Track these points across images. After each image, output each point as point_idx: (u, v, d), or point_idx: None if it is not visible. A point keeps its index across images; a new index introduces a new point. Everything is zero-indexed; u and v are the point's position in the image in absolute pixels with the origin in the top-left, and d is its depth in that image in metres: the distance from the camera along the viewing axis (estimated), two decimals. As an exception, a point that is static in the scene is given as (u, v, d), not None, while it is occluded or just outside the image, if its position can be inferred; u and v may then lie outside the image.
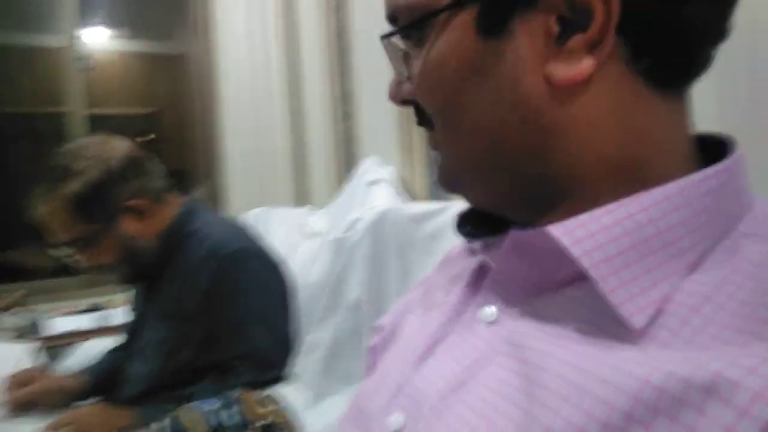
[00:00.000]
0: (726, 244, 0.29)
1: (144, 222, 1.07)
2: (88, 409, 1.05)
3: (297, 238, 1.38)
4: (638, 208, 0.28)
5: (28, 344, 1.41)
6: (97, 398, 1.15)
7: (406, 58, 0.36)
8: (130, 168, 1.06)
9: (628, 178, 0.30)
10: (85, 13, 2.35)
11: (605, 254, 0.28)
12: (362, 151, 1.55)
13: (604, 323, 0.28)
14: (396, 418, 0.35)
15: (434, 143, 0.37)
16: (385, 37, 0.35)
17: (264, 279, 1.10)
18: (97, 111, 2.33)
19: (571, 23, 0.29)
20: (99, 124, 2.31)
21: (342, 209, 1.32)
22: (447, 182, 0.37)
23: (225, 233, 1.10)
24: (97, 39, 2.49)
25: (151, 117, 2.98)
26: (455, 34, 0.31)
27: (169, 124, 2.84)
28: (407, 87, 0.36)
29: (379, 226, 0.97)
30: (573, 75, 0.29)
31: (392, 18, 0.35)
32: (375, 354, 0.49)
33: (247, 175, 2.13)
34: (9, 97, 2.52)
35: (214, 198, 2.37)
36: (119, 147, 1.07)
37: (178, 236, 1.09)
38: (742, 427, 0.21)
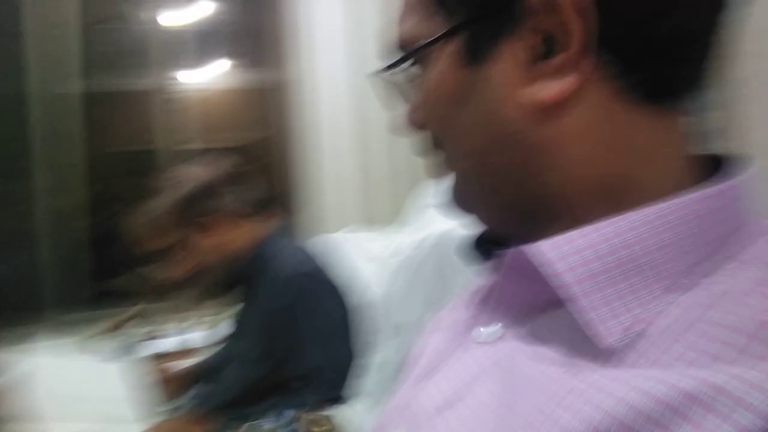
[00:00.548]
0: (705, 266, 0.28)
1: (224, 238, 1.18)
2: (172, 422, 1.16)
3: (362, 260, 1.43)
4: (613, 232, 0.28)
5: (123, 365, 1.55)
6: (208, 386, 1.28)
7: (415, 87, 0.37)
8: (214, 188, 1.18)
9: (617, 196, 0.30)
10: (181, 53, 2.57)
11: (576, 276, 0.28)
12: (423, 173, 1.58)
13: (581, 344, 0.29)
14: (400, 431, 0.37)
15: (445, 166, 0.38)
16: (387, 69, 0.37)
17: (323, 302, 1.16)
18: (196, 146, 2.53)
19: (551, 44, 0.29)
20: (198, 157, 2.50)
21: (401, 231, 1.35)
22: (456, 204, 0.39)
23: (291, 258, 1.18)
24: (196, 76, 2.71)
25: (251, 147, 3.15)
26: (443, 64, 0.33)
27: (269, 151, 2.99)
28: (417, 114, 0.38)
29: (443, 245, 0.99)
30: (553, 95, 0.29)
31: (396, 50, 0.37)
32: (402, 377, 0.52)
33: (329, 199, 2.23)
34: (110, 138, 2.81)
35: (302, 221, 2.50)
36: (206, 170, 1.21)
37: (256, 258, 1.19)
38: None
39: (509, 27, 0.30)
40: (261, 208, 1.26)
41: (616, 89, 0.29)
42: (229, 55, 2.87)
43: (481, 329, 0.36)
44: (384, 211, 1.87)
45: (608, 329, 0.27)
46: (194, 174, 1.19)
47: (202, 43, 2.68)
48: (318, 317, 1.14)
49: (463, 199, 0.38)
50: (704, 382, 0.23)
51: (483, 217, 0.37)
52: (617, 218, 0.29)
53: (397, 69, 0.36)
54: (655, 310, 0.27)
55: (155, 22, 2.49)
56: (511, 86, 0.30)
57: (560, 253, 0.29)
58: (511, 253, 0.32)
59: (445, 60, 0.33)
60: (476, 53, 0.31)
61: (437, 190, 1.28)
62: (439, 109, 0.34)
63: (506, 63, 0.30)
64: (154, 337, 1.83)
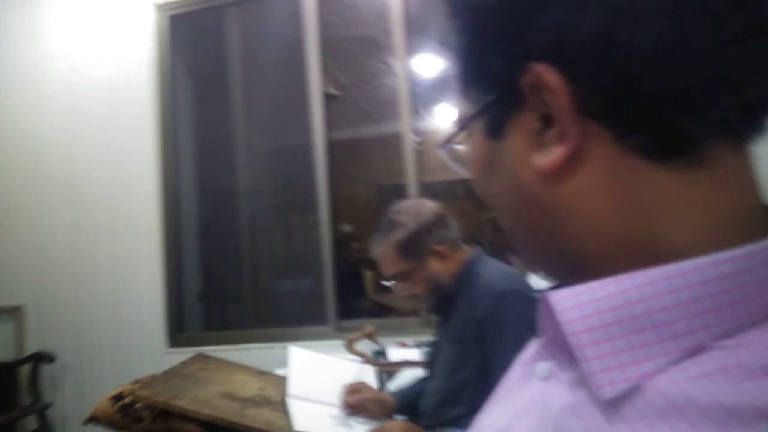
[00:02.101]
0: (737, 338, 0.27)
1: (444, 264, 1.36)
2: (395, 422, 1.34)
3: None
4: (631, 285, 0.29)
5: (372, 367, 1.82)
6: (405, 416, 1.44)
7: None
8: (436, 222, 1.37)
9: (639, 252, 0.30)
10: (418, 103, 2.90)
11: (588, 325, 0.29)
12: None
13: (591, 393, 0.30)
14: None
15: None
16: (445, 144, 0.43)
17: (528, 316, 1.21)
18: (430, 179, 2.81)
19: (547, 119, 0.32)
20: (435, 189, 2.78)
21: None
22: (519, 257, 0.42)
23: (500, 276, 1.30)
24: (429, 121, 3.02)
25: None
26: (476, 140, 0.38)
27: None
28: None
29: None
30: (549, 163, 0.31)
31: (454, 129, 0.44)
32: None
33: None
34: (372, 175, 3.30)
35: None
36: (429, 206, 1.41)
37: (466, 277, 1.34)
38: None
39: (514, 107, 0.33)
40: (464, 239, 1.43)
41: (624, 150, 0.30)
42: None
43: (538, 365, 0.37)
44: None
45: (610, 380, 0.28)
46: (425, 210, 1.39)
47: (437, 90, 2.97)
48: (522, 329, 1.19)
49: (518, 253, 0.40)
50: None
51: (536, 268, 0.39)
52: (627, 275, 0.29)
53: (452, 144, 0.42)
54: (670, 375, 0.27)
55: (403, 75, 2.85)
56: (523, 156, 0.33)
57: (572, 301, 0.30)
58: (543, 299, 0.33)
59: (477, 136, 0.38)
60: (495, 130, 0.35)
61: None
62: (477, 177, 0.39)
63: (517, 137, 0.34)
64: (402, 346, 2.11)
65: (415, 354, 2.11)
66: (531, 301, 1.25)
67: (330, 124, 2.93)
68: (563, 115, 0.30)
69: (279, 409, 1.44)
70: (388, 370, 1.95)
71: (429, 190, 2.75)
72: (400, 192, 2.79)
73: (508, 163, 0.35)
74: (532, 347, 0.44)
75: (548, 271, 0.38)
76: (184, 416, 1.32)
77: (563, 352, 0.34)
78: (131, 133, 3.07)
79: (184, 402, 1.33)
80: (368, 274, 3.32)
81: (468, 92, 0.38)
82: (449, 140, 0.43)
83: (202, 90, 3.33)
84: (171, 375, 1.54)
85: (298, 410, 1.37)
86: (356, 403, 1.41)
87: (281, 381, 1.62)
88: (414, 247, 1.35)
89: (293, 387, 1.50)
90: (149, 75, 3.08)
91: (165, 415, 1.34)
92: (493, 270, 1.33)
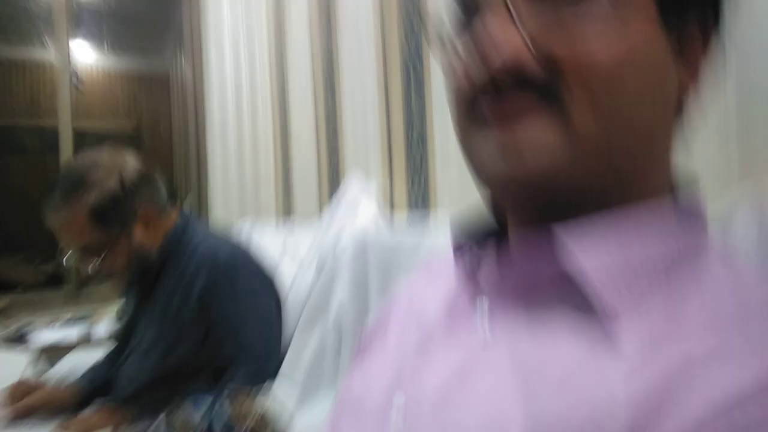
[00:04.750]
0: (685, 270, 0.32)
1: (150, 231, 1.15)
2: (89, 414, 1.10)
3: (279, 251, 1.44)
4: (644, 233, 0.32)
5: (18, 353, 1.42)
6: (93, 404, 1.19)
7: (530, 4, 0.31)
8: (141, 181, 1.14)
9: (636, 182, 0.34)
10: (75, 29, 2.37)
11: (608, 272, 0.31)
12: (348, 165, 1.60)
13: (589, 321, 0.31)
14: (399, 396, 0.37)
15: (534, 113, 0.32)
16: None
17: (255, 285, 1.17)
18: (81, 126, 2.34)
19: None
20: (83, 138, 2.33)
21: (326, 225, 1.37)
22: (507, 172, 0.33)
23: (218, 243, 1.18)
24: (84, 54, 2.51)
25: (134, 132, 3.01)
26: (635, 25, 0.31)
27: (152, 137, 2.89)
28: (516, 41, 0.31)
29: (362, 248, 1.04)
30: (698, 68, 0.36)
31: None
32: (362, 353, 0.49)
33: (232, 189, 2.19)
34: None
35: (199, 209, 2.41)
36: (130, 160, 1.16)
37: (175, 245, 1.18)
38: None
39: None
40: (170, 202, 1.24)
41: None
42: (117, 39, 2.71)
43: (479, 304, 0.36)
44: (304, 201, 1.87)
45: (622, 319, 0.30)
46: (125, 165, 1.13)
47: (93, 21, 2.48)
48: (250, 298, 1.14)
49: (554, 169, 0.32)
50: (689, 359, 0.26)
51: (525, 191, 0.33)
52: (645, 221, 0.32)
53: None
54: (659, 303, 0.30)
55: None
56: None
57: (598, 257, 0.31)
58: (522, 235, 0.35)
59: (639, 20, 0.32)
60: (674, 15, 0.33)
61: (361, 181, 1.32)
62: (622, 66, 0.31)
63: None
64: (50, 325, 1.69)
65: (71, 332, 1.75)
66: (255, 266, 1.21)
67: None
68: None
69: None
70: (57, 355, 1.55)
71: (86, 139, 2.29)
72: (45, 136, 2.22)
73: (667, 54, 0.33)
74: (444, 299, 0.40)
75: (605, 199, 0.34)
76: None
77: (507, 288, 0.34)
78: None
79: None
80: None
81: None
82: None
83: None
84: None
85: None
86: (25, 409, 1.09)
87: None
88: (114, 212, 1.10)
89: None
90: None
91: None
92: (208, 237, 1.20)
